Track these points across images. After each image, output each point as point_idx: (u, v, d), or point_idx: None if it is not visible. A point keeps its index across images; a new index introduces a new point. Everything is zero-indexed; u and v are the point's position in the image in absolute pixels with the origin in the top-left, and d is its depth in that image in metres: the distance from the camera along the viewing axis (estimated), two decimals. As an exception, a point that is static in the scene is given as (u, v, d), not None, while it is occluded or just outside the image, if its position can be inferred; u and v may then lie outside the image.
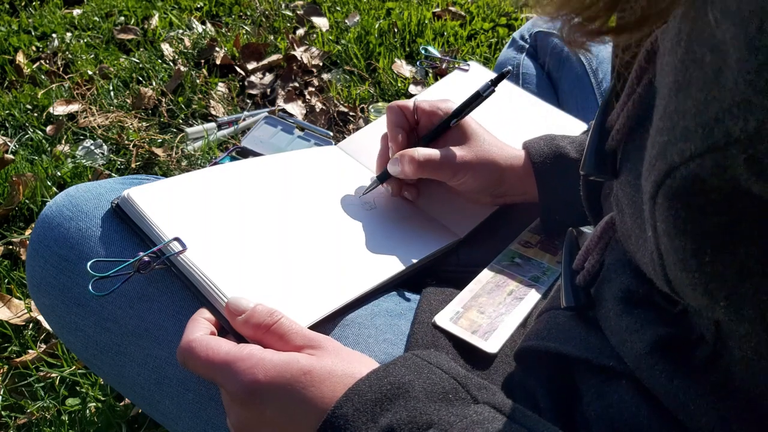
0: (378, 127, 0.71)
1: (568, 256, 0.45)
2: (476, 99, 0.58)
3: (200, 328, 0.40)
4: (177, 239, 0.45)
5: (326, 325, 0.46)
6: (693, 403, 0.32)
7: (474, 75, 0.80)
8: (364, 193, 0.61)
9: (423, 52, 0.92)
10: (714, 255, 0.24)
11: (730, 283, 0.25)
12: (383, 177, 0.60)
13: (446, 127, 0.58)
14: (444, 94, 0.77)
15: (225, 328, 0.42)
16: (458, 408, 0.33)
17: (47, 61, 1.58)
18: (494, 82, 0.58)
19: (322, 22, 1.71)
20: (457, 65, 0.80)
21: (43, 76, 1.50)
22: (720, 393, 0.31)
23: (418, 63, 1.06)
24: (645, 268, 0.33)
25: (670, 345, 0.34)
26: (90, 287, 0.42)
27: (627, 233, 0.36)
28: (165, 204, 0.48)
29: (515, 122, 0.73)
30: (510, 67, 0.62)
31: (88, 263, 0.43)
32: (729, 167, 0.21)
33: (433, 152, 0.56)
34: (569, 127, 0.74)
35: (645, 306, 0.37)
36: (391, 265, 0.52)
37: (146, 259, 0.43)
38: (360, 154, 0.67)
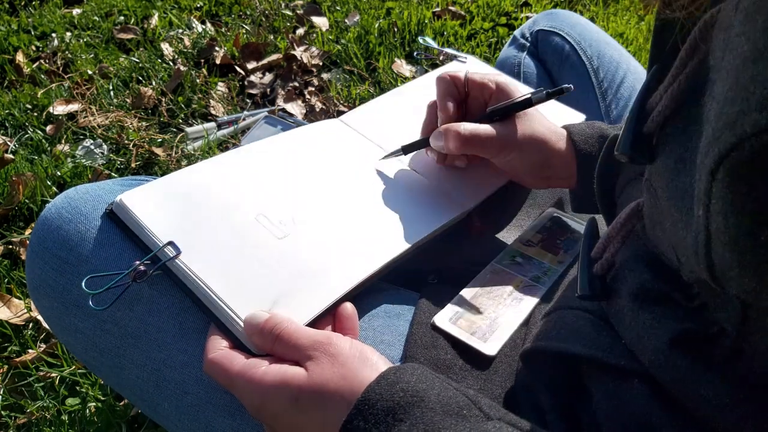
0: (383, 102, 0.70)
1: (587, 244, 0.44)
2: (526, 104, 0.55)
3: (218, 343, 0.41)
4: (171, 243, 0.44)
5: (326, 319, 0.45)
6: (716, 399, 0.31)
7: (471, 68, 0.80)
8: (384, 157, 0.59)
9: (421, 41, 0.92)
10: None
11: None
12: (409, 148, 0.58)
13: (492, 117, 0.55)
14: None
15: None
16: (474, 424, 0.33)
17: (47, 61, 1.58)
18: (548, 95, 0.55)
19: (321, 22, 1.71)
20: (455, 57, 0.81)
21: (42, 76, 1.50)
22: (743, 388, 0.31)
23: (416, 54, 1.06)
24: (674, 254, 0.32)
25: (689, 340, 0.34)
26: (90, 303, 0.42)
27: (658, 219, 0.35)
28: (159, 207, 0.47)
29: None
30: (571, 86, 0.55)
31: (83, 281, 0.43)
32: None
33: (479, 128, 0.53)
34: (569, 117, 0.74)
35: (662, 302, 0.36)
36: (397, 243, 0.50)
37: (142, 268, 0.43)
38: (365, 127, 0.65)
